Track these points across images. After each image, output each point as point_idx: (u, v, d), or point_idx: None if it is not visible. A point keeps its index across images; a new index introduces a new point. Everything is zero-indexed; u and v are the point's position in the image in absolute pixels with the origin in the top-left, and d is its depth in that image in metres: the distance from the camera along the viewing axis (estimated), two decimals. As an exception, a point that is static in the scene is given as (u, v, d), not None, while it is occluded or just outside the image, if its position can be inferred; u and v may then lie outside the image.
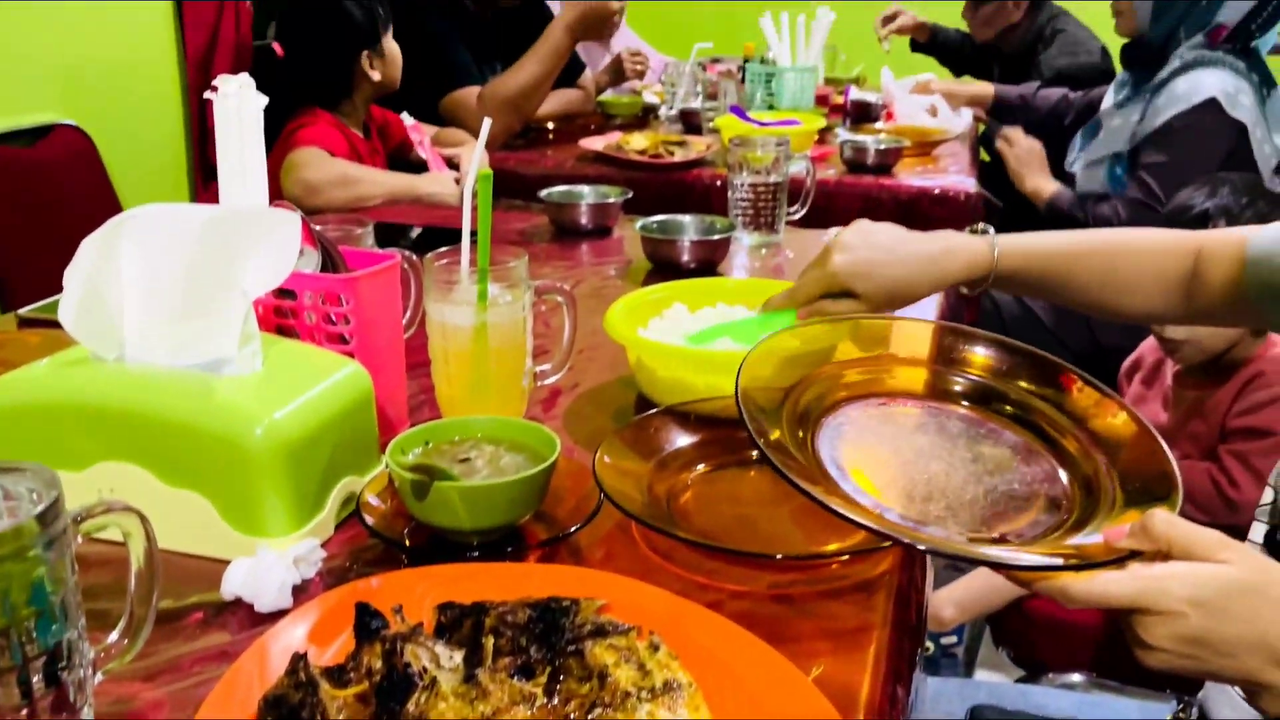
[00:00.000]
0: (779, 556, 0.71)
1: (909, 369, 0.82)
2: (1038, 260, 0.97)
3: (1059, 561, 0.59)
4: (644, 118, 2.65)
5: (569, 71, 2.54)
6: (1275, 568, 0.59)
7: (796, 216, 1.59)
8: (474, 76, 2.23)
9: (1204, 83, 1.93)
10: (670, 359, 0.93)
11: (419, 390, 0.96)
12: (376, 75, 1.91)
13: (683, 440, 0.84)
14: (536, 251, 1.51)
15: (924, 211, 1.96)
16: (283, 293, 0.83)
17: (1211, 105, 1.92)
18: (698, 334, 0.98)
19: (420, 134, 1.88)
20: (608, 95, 2.72)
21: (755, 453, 0.83)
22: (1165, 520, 0.59)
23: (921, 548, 0.64)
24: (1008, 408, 0.78)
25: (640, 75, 2.84)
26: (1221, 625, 0.56)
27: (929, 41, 3.15)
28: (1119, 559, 0.58)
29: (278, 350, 0.76)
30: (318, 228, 0.87)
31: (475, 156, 0.91)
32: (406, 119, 1.85)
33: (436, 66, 2.20)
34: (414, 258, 0.98)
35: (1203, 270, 0.95)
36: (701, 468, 0.83)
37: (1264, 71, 2.03)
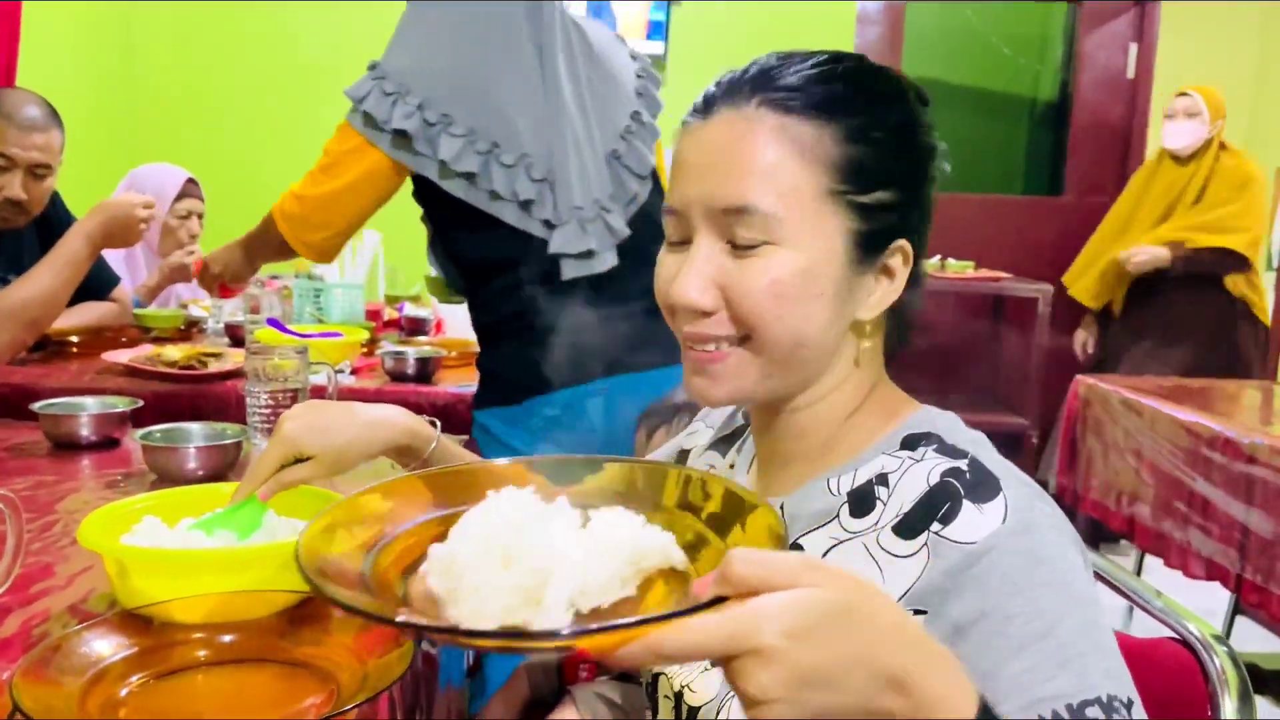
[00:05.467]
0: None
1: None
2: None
3: (631, 620, 0.50)
4: (187, 331, 2.58)
5: (101, 284, 2.44)
6: (866, 584, 0.53)
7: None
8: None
9: None
10: (148, 563, 0.90)
11: None
12: None
13: (129, 649, 0.81)
14: (27, 466, 1.40)
15: (462, 416, 2.06)
16: None
17: None
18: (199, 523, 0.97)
19: None
20: (148, 309, 2.62)
21: (202, 653, 0.83)
22: (742, 558, 0.51)
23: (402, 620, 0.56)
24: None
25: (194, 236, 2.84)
26: (821, 653, 0.49)
27: None
28: (709, 604, 0.50)
29: None
30: None
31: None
32: None
33: None
34: None
35: None
36: (140, 676, 0.79)
37: None
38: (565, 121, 1.68)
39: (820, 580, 0.50)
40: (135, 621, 0.84)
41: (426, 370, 2.15)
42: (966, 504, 0.69)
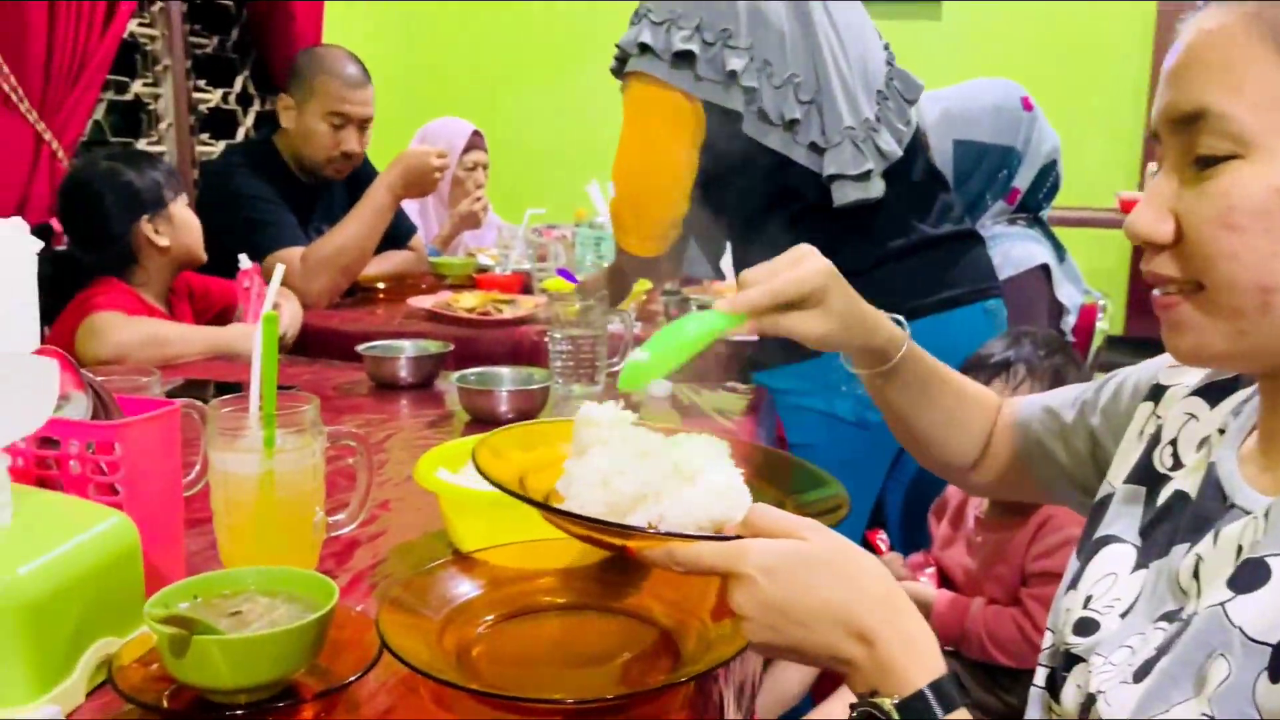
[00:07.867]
0: (569, 702, 0.69)
1: None
2: (927, 363, 0.95)
3: (667, 531, 0.67)
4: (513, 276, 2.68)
5: (400, 233, 2.57)
6: (849, 546, 0.64)
7: (616, 368, 1.62)
8: (297, 238, 2.21)
9: (1033, 250, 2.09)
10: (476, 505, 0.91)
11: (206, 546, 0.91)
12: (164, 241, 1.81)
13: (475, 590, 0.82)
14: (353, 405, 1.48)
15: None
16: (45, 441, 0.78)
17: (1042, 270, 2.08)
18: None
19: (252, 278, 1.81)
20: (441, 258, 2.75)
21: (541, 597, 0.83)
22: (759, 511, 0.67)
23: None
24: None
25: (480, 186, 2.95)
26: (789, 592, 0.61)
27: None
28: (724, 538, 0.66)
29: (33, 502, 0.71)
30: (87, 373, 0.83)
31: (267, 301, 0.90)
32: (244, 261, 1.78)
33: (256, 229, 2.17)
34: (205, 408, 0.95)
35: (994, 432, 1.00)
36: (492, 618, 0.80)
37: (1053, 239, 2.24)
38: (824, 44, 1.57)
39: (811, 536, 0.63)
40: (474, 563, 0.85)
41: (709, 319, 2.12)
42: None
